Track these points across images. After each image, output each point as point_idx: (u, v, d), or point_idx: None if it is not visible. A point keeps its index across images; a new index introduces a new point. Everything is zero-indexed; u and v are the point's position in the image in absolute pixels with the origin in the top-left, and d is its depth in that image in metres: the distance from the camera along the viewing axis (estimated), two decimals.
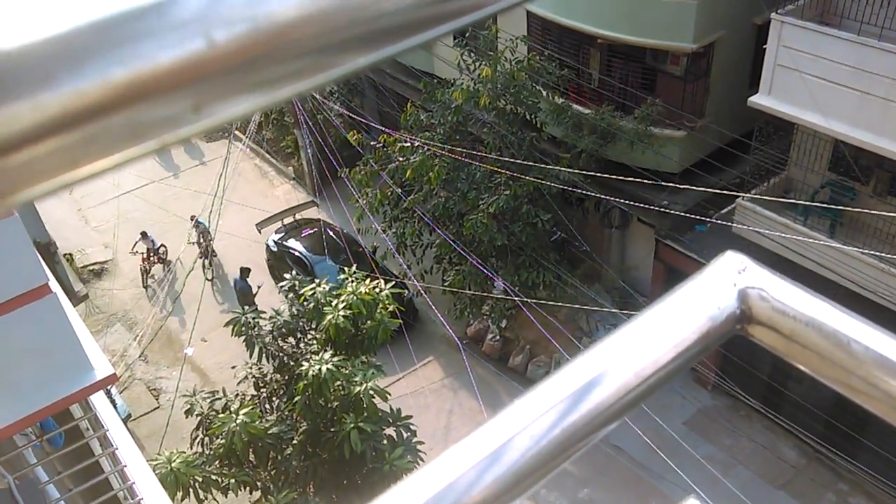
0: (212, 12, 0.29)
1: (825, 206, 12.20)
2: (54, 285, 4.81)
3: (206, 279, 17.99)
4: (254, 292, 16.89)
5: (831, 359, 0.59)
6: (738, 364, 13.67)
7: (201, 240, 17.92)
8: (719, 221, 13.05)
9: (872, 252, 11.17)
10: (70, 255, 18.92)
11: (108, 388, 9.49)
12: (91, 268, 19.56)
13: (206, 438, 9.81)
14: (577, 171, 14.32)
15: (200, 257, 18.01)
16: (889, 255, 11.19)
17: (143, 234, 18.30)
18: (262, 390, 10.71)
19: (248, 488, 9.94)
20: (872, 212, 11.70)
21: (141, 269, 18.52)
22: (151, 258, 18.36)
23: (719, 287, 0.64)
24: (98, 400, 5.80)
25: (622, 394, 0.55)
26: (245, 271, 17.01)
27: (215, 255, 18.36)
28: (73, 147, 0.29)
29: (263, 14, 0.30)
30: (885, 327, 0.61)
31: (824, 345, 0.59)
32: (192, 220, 17.58)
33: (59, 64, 0.27)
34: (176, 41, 0.29)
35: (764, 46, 12.14)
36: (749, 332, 0.64)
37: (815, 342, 0.60)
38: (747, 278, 0.64)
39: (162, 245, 18.55)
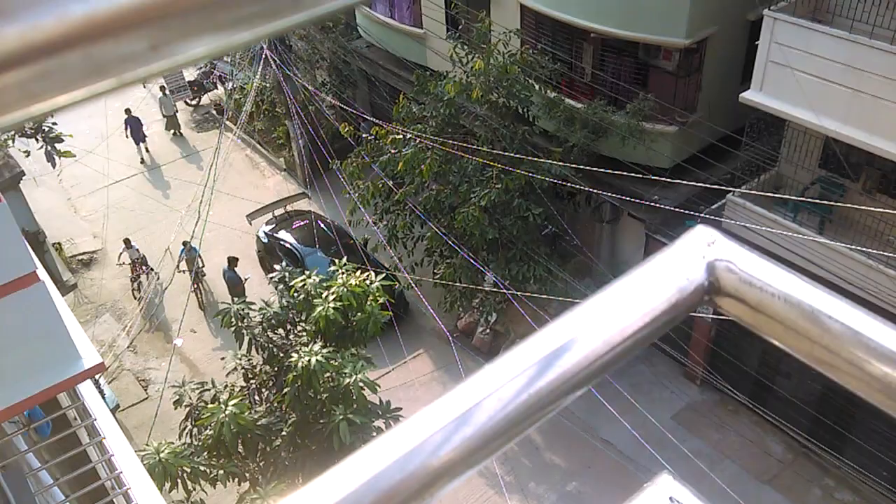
0: None
1: (815, 202, 12.26)
2: (42, 274, 4.79)
3: (200, 308, 17.44)
4: (243, 282, 16.86)
5: (797, 329, 0.60)
6: (726, 359, 13.75)
7: (193, 265, 17.05)
8: (710, 217, 13.10)
9: (861, 248, 11.24)
10: (59, 244, 18.84)
11: (97, 377, 9.46)
12: (80, 257, 19.49)
13: (195, 429, 9.80)
14: (568, 165, 14.34)
15: (193, 284, 17.08)
16: (877, 252, 11.26)
17: (127, 243, 17.71)
18: (251, 382, 10.71)
19: (236, 479, 9.94)
20: (862, 208, 11.77)
21: (130, 279, 18.02)
22: (136, 268, 17.77)
23: (688, 259, 0.64)
24: (86, 389, 5.78)
25: (590, 361, 0.55)
26: (232, 261, 16.96)
27: (205, 276, 17.55)
28: (30, 81, 0.29)
29: None
30: (833, 292, 0.62)
31: (791, 316, 0.60)
32: (183, 245, 16.48)
33: None
34: None
35: (756, 43, 12.17)
36: (717, 304, 0.65)
37: (782, 313, 0.61)
38: (716, 251, 0.65)
39: (143, 256, 17.88)
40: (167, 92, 22.82)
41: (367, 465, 0.47)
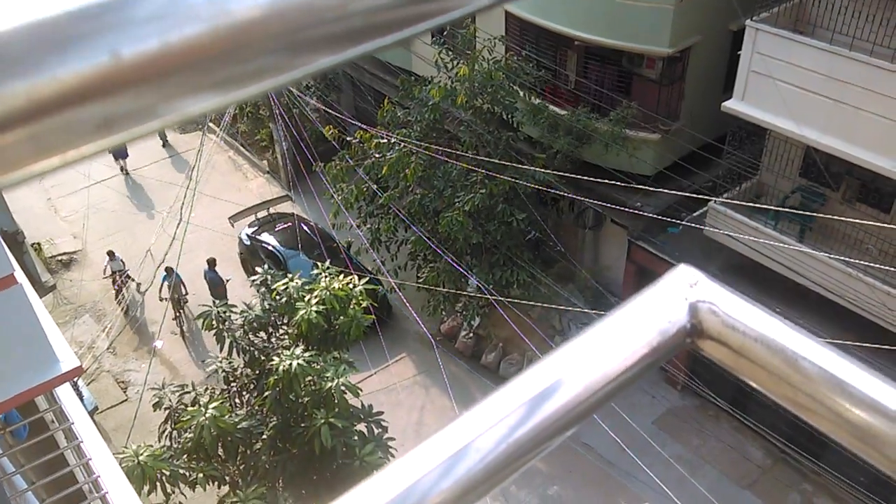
0: (172, 10, 0.29)
1: (795, 211, 12.38)
2: (20, 276, 4.74)
3: (178, 332, 16.96)
4: (225, 283, 16.75)
5: (779, 375, 0.60)
6: (707, 365, 13.82)
7: (175, 293, 16.51)
8: (691, 224, 13.20)
9: (840, 257, 11.36)
10: (38, 244, 18.63)
11: (74, 380, 9.36)
12: (60, 258, 19.29)
13: (175, 432, 9.73)
14: (552, 171, 14.39)
15: (175, 312, 16.68)
16: (856, 261, 11.39)
17: (111, 255, 17.32)
18: (232, 385, 10.64)
19: (216, 483, 9.88)
20: (841, 218, 11.90)
21: (115, 291, 17.53)
22: (119, 279, 17.27)
23: (670, 300, 0.65)
24: (63, 392, 5.72)
25: (573, 404, 0.55)
26: (212, 262, 16.84)
27: (187, 302, 17.00)
28: (39, 137, 0.28)
29: (224, 12, 0.30)
30: (853, 331, 0.62)
31: (773, 361, 0.60)
32: (166, 271, 15.80)
33: (26, 55, 0.27)
34: (135, 38, 0.29)
35: (738, 52, 12.28)
36: (699, 346, 0.65)
37: (764, 358, 0.61)
38: (698, 292, 0.65)
39: (125, 269, 17.43)
40: None
41: (366, 501, 0.47)
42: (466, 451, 0.49)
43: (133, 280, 17.21)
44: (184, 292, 16.73)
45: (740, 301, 0.64)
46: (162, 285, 16.40)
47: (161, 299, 16.40)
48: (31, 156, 0.29)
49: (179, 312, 16.92)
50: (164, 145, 22.92)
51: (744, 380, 0.63)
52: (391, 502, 0.47)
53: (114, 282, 17.34)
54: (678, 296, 0.65)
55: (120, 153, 20.99)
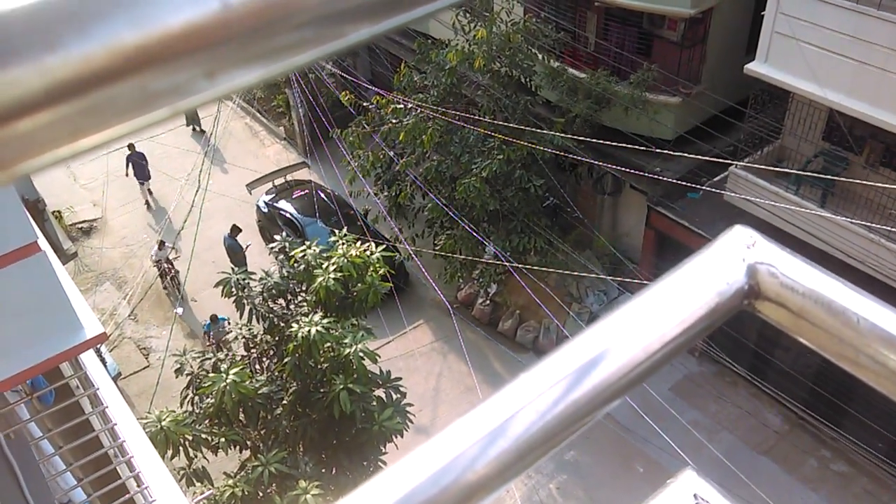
0: None
1: (817, 175, 12.21)
2: (43, 243, 4.77)
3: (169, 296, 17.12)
4: (244, 249, 16.83)
5: (840, 336, 0.58)
6: (725, 332, 13.80)
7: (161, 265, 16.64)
8: (712, 189, 13.06)
9: (863, 222, 11.22)
10: (59, 212, 18.79)
11: (98, 346, 9.50)
12: (80, 226, 19.45)
13: (196, 398, 9.86)
14: (570, 136, 14.25)
15: (163, 280, 16.71)
16: (879, 226, 11.24)
17: (161, 244, 16.87)
18: (252, 351, 10.75)
19: (237, 447, 10.03)
20: (864, 182, 11.72)
21: (161, 278, 17.39)
22: (164, 267, 17.05)
23: (728, 262, 0.63)
24: (88, 358, 5.80)
25: (628, 369, 0.54)
26: (235, 229, 16.90)
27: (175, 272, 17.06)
28: (78, 115, 0.27)
29: None
30: (875, 297, 0.60)
31: (833, 322, 0.59)
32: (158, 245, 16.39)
33: (64, 26, 0.25)
34: (189, 4, 0.27)
35: (762, 13, 12.02)
36: (757, 308, 0.63)
37: (824, 319, 0.59)
38: (756, 253, 0.63)
39: (173, 256, 17.26)
40: None
41: (401, 479, 0.46)
42: (524, 412, 0.48)
43: (177, 271, 17.04)
44: (171, 264, 16.83)
45: (798, 262, 0.62)
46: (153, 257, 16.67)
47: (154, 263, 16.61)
48: (69, 135, 0.28)
49: (167, 280, 17.00)
50: (195, 130, 21.87)
51: (803, 341, 0.61)
52: (428, 480, 0.46)
53: (160, 269, 17.09)
54: (735, 257, 0.63)
55: (141, 174, 19.33)
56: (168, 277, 17.08)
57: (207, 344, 15.38)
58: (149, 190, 19.73)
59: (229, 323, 13.46)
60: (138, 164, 19.16)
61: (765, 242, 0.64)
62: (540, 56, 14.88)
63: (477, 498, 0.45)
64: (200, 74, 0.27)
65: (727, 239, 0.64)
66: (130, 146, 19.04)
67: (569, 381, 0.50)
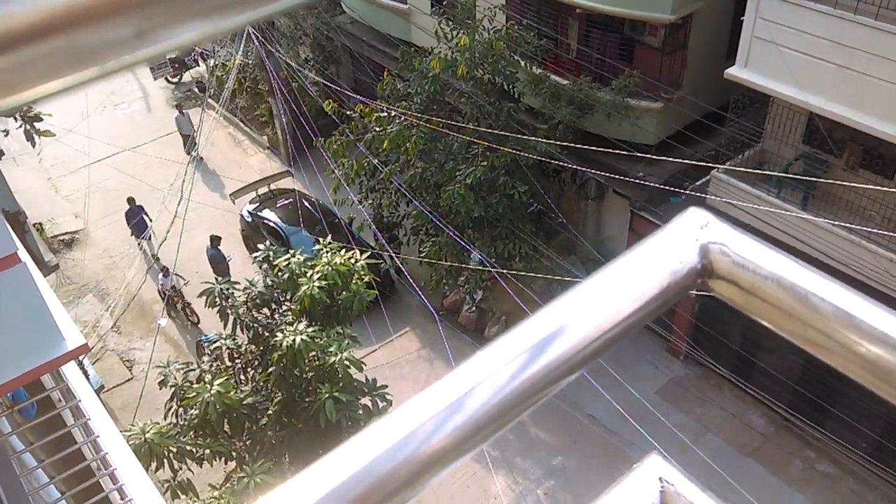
0: None
1: (798, 178, 12.33)
2: (24, 255, 4.74)
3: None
4: (227, 260, 16.75)
5: (790, 312, 0.59)
6: (709, 334, 13.87)
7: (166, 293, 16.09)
8: (694, 193, 13.15)
9: (843, 224, 11.33)
10: (40, 224, 18.64)
11: (80, 358, 9.41)
12: (62, 238, 19.30)
13: (181, 409, 9.78)
14: (554, 142, 14.31)
15: (167, 307, 16.17)
16: (859, 227, 11.36)
17: (165, 271, 16.16)
18: (236, 361, 10.69)
19: (223, 458, 9.95)
20: (844, 184, 11.85)
21: (167, 306, 16.76)
22: (168, 294, 16.46)
23: (681, 242, 0.64)
24: (70, 370, 5.75)
25: (583, 345, 0.55)
26: (215, 239, 16.81)
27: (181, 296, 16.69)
28: (9, 70, 0.27)
29: None
30: (825, 274, 0.61)
31: (784, 298, 0.60)
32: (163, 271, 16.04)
33: None
34: None
35: (742, 18, 12.15)
36: (710, 287, 0.64)
37: (775, 296, 0.60)
38: (709, 233, 0.64)
39: (174, 285, 16.62)
40: (184, 111, 21.01)
41: (359, 453, 0.46)
42: (481, 387, 0.49)
43: (188, 303, 16.56)
44: (179, 296, 16.45)
45: (751, 241, 0.63)
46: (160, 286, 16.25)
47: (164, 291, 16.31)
48: (3, 88, 0.28)
49: (175, 306, 16.66)
50: (192, 158, 19.86)
51: (755, 319, 0.62)
52: (386, 453, 0.47)
53: (163, 297, 16.59)
54: (689, 237, 0.64)
55: (140, 230, 17.89)
56: (177, 307, 16.68)
57: (207, 357, 15.15)
58: (148, 247, 18.23)
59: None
60: (138, 220, 17.98)
61: (718, 223, 0.65)
62: (522, 63, 14.95)
63: (434, 471, 0.46)
64: (130, 34, 0.28)
65: (682, 220, 0.65)
66: (130, 200, 18.07)
67: (524, 358, 0.51)
